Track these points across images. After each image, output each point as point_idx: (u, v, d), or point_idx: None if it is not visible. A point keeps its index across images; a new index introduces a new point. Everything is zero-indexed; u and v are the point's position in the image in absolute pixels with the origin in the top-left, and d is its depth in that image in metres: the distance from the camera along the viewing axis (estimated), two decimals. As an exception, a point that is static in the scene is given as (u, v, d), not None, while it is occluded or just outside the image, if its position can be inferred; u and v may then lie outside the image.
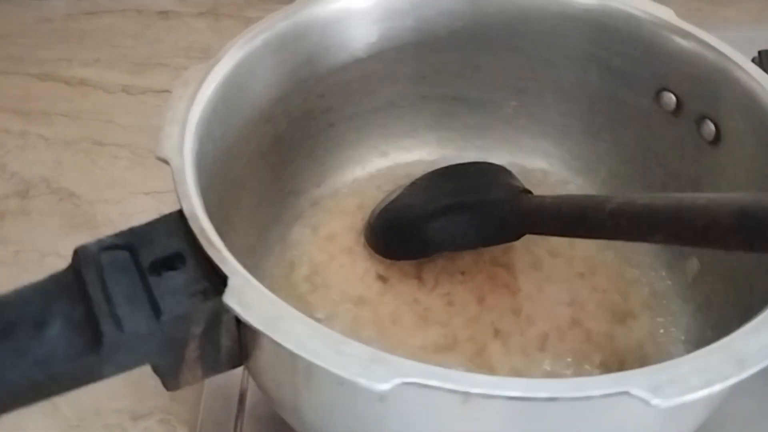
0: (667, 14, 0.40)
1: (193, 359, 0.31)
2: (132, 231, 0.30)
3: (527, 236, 0.41)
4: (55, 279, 0.29)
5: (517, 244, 0.42)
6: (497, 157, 0.47)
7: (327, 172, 0.46)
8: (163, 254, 0.30)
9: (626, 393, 0.24)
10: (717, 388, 0.24)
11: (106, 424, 0.42)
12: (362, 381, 0.24)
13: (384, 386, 0.24)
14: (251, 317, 0.26)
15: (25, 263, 0.50)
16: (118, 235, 0.30)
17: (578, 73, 0.44)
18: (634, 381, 0.24)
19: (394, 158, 0.48)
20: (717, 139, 0.39)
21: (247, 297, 0.26)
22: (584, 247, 0.43)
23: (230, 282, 0.27)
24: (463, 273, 0.41)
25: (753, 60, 0.40)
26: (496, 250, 0.42)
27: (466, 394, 0.24)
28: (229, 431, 0.39)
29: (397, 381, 0.24)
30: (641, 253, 0.43)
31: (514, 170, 0.46)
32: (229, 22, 0.32)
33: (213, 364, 0.32)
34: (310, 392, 0.29)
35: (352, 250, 0.43)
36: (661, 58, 0.40)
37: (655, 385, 0.24)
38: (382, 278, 0.41)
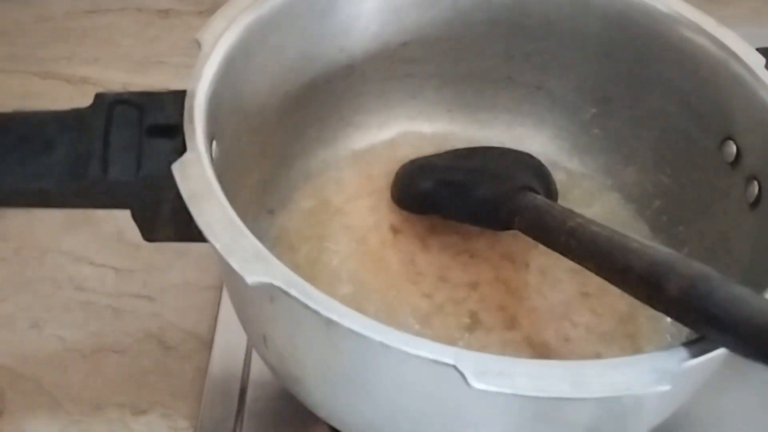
0: (756, 61, 0.38)
1: (166, 219, 0.35)
2: (147, 94, 0.34)
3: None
4: (73, 113, 0.34)
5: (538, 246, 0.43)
6: (566, 161, 0.47)
7: (393, 118, 0.48)
8: (163, 121, 0.34)
9: (453, 366, 0.24)
10: (538, 395, 0.24)
11: (107, 418, 0.43)
12: (237, 268, 0.26)
13: (251, 279, 0.26)
14: (183, 188, 0.29)
15: (26, 260, 0.51)
16: (134, 93, 0.34)
17: (660, 99, 0.43)
18: (466, 359, 0.25)
19: (463, 126, 0.48)
20: (756, 201, 0.37)
21: (191, 171, 0.30)
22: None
23: (185, 155, 0.30)
24: (471, 255, 0.42)
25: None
26: (514, 245, 0.43)
27: (317, 314, 0.26)
28: (230, 426, 0.41)
29: (263, 280, 0.26)
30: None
31: (574, 178, 0.46)
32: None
33: (185, 230, 0.35)
34: (230, 281, 0.32)
35: (381, 194, 0.44)
36: (734, 105, 0.39)
37: (483, 370, 0.24)
38: (393, 229, 0.43)
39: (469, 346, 0.38)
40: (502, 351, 0.38)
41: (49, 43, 0.67)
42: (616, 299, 0.41)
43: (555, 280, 0.42)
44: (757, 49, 0.35)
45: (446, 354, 0.25)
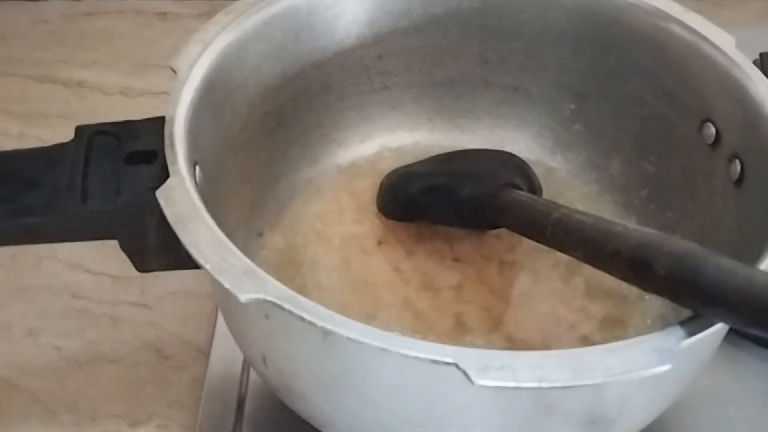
0: (726, 42, 0.39)
1: (154, 247, 0.35)
2: (125, 123, 0.34)
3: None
4: (55, 148, 0.34)
5: (526, 249, 0.43)
6: (549, 159, 0.47)
7: (375, 131, 0.48)
8: (141, 148, 0.34)
9: (454, 365, 0.24)
10: (542, 386, 0.24)
11: (103, 429, 0.42)
12: (228, 287, 0.26)
13: (244, 296, 0.26)
14: (168, 212, 0.29)
15: (22, 266, 0.50)
16: (113, 124, 0.34)
17: (637, 89, 0.43)
18: (466, 356, 0.25)
19: (444, 134, 0.49)
20: (740, 179, 0.37)
21: (175, 196, 0.30)
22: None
23: (168, 181, 0.30)
24: (455, 260, 0.42)
25: (754, 62, 0.37)
26: (500, 247, 0.43)
27: (313, 325, 0.26)
28: (228, 435, 0.40)
29: (257, 296, 0.26)
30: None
31: (559, 175, 0.46)
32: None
33: (176, 258, 0.35)
34: (225, 304, 0.32)
35: (366, 207, 0.45)
36: (709, 87, 0.39)
37: (485, 366, 0.24)
38: (379, 240, 0.43)
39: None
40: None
41: (46, 46, 0.67)
42: (601, 294, 0.41)
43: (543, 279, 0.42)
44: (761, 54, 0.35)
45: (446, 353, 0.25)
